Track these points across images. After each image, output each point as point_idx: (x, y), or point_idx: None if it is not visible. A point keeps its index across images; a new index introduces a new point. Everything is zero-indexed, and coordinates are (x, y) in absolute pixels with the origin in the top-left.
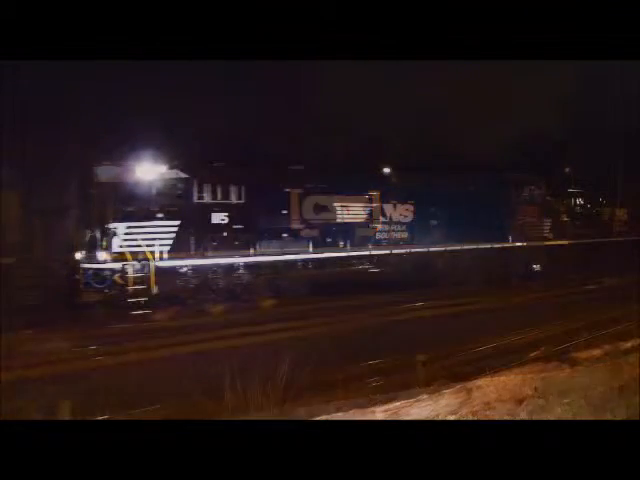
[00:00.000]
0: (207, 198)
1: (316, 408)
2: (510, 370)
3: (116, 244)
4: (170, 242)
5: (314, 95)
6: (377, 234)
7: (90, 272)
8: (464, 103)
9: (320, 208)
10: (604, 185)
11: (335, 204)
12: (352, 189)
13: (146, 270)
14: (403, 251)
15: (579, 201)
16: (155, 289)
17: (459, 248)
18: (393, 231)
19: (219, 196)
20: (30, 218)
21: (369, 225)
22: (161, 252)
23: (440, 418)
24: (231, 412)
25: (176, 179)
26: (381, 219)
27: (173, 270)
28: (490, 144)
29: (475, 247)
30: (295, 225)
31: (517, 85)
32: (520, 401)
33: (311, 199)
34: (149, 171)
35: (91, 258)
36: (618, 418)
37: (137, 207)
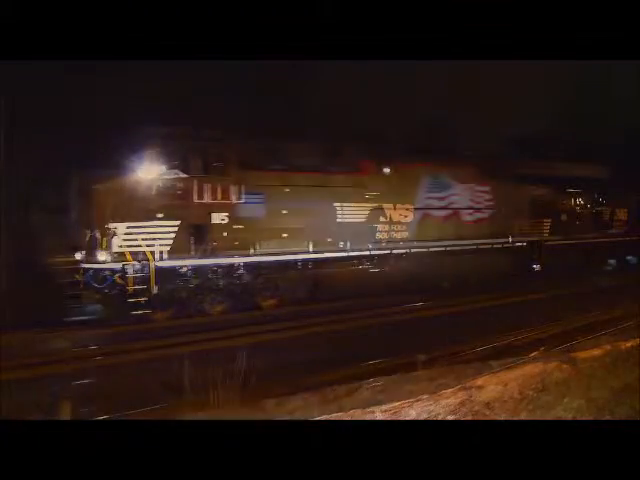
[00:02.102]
0: None
1: None
2: None
3: (116, 244)
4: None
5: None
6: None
7: (90, 272)
8: None
9: None
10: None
11: None
12: None
13: (146, 270)
14: None
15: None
16: (155, 289)
17: None
18: None
19: None
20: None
21: None
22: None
23: (440, 418)
24: None
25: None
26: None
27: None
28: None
29: None
30: None
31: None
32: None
33: None
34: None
35: (91, 258)
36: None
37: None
